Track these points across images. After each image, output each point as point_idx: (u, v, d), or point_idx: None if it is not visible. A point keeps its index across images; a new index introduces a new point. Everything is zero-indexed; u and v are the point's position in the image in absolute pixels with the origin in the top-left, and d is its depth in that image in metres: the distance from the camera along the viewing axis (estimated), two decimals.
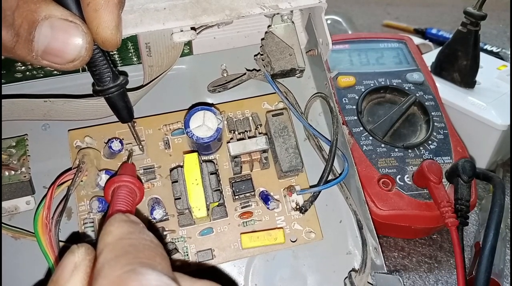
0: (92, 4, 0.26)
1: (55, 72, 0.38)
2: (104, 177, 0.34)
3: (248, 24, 0.40)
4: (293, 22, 0.39)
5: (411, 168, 0.45)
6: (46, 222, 0.31)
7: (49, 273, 0.32)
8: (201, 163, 0.34)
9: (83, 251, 0.22)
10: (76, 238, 0.34)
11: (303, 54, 0.39)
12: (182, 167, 0.34)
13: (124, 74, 0.32)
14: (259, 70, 0.39)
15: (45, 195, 0.32)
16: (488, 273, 0.37)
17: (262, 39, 0.39)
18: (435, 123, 0.48)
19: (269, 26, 0.39)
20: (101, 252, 0.21)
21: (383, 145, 0.46)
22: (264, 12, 0.35)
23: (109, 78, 0.30)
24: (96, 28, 0.27)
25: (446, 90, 0.53)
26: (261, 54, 0.39)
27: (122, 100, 0.32)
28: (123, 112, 0.33)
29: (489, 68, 0.57)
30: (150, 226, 0.34)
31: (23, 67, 0.36)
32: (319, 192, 0.36)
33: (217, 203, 0.34)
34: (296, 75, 0.39)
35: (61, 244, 0.33)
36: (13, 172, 0.34)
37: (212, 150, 0.36)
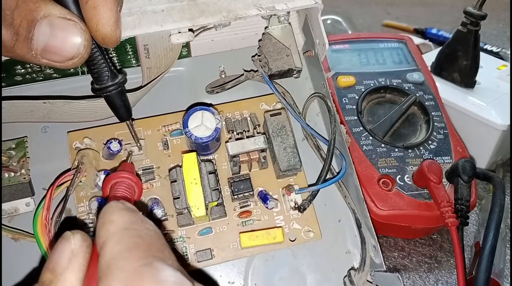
0: (91, 2, 0.27)
1: (55, 75, 0.38)
2: (103, 178, 0.34)
3: (246, 26, 0.40)
4: (289, 23, 0.39)
5: (411, 168, 0.45)
6: (46, 223, 0.31)
7: (43, 261, 0.31)
8: (199, 163, 0.34)
9: (79, 238, 0.21)
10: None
11: (300, 54, 0.39)
12: (181, 166, 0.34)
13: (123, 72, 0.33)
14: (257, 71, 0.39)
15: (45, 196, 0.32)
16: (488, 273, 0.37)
17: (260, 40, 0.39)
18: (435, 123, 0.48)
19: (266, 27, 0.39)
20: (105, 242, 0.20)
21: (383, 145, 0.46)
22: (261, 13, 0.35)
23: (107, 77, 0.31)
24: (96, 25, 0.27)
25: (446, 90, 0.53)
26: (259, 55, 0.39)
27: (120, 99, 0.32)
28: (122, 110, 0.33)
29: (489, 68, 0.57)
30: None
31: (23, 71, 0.36)
32: (318, 190, 0.36)
33: (216, 202, 0.34)
34: (294, 75, 0.39)
35: None
36: (12, 174, 0.35)
37: (210, 150, 0.36)
